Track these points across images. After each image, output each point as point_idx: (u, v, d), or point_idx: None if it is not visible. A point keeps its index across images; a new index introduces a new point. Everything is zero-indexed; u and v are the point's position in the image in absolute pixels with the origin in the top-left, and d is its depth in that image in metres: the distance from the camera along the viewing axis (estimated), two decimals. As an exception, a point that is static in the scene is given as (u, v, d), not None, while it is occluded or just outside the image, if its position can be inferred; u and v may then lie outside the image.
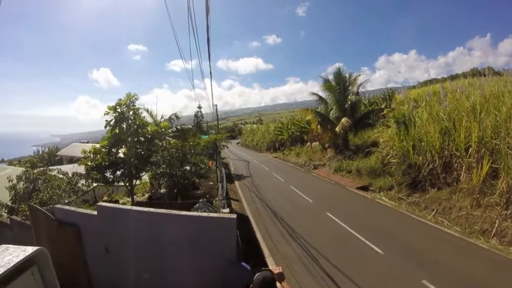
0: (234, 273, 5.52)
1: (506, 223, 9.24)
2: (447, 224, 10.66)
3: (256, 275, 2.84)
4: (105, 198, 16.30)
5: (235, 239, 5.79)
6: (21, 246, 1.72)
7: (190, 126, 31.53)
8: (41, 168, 18.41)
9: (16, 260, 1.59)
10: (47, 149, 54.99)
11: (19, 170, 19.57)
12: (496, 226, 9.30)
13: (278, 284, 2.88)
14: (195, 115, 56.57)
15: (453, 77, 25.23)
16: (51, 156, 50.04)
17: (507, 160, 9.92)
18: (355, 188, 17.13)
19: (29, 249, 1.70)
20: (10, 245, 1.74)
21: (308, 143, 33.83)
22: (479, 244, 8.98)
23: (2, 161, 47.92)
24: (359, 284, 7.35)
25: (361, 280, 7.48)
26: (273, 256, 9.45)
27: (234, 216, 5.87)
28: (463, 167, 11.72)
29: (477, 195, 10.59)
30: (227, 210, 9.51)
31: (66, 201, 13.02)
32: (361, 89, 25.81)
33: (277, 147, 44.03)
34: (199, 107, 55.34)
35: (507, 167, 9.86)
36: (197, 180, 19.21)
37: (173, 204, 13.78)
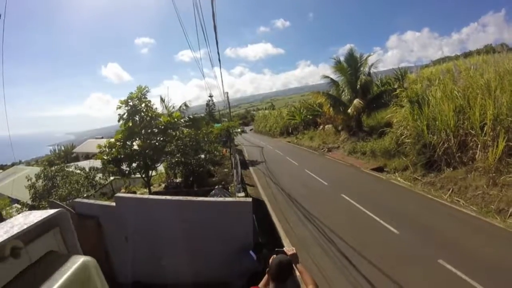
0: (241, 259, 5.63)
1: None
2: (463, 203, 10.58)
3: (272, 259, 2.85)
4: (122, 190, 16.60)
5: (252, 222, 5.89)
6: (43, 210, 1.86)
7: (202, 115, 31.73)
8: (58, 166, 18.78)
9: (35, 220, 1.71)
10: (63, 148, 56.07)
11: (37, 169, 20.02)
12: (513, 204, 9.18)
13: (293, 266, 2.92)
14: (207, 104, 56.87)
15: (467, 55, 24.57)
16: (67, 154, 51.06)
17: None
18: (370, 170, 17.10)
19: (51, 211, 1.84)
20: (33, 211, 1.88)
21: (321, 126, 33.67)
22: (496, 224, 8.90)
23: (20, 162, 49.00)
24: (375, 264, 7.43)
25: (378, 261, 7.56)
26: (289, 238, 9.58)
27: (250, 199, 5.96)
28: (479, 146, 11.54)
29: (493, 174, 10.44)
30: (242, 194, 9.62)
31: (85, 195, 13.32)
32: (373, 70, 25.46)
33: (290, 131, 43.97)
34: (210, 96, 55.58)
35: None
36: (212, 168, 19.34)
37: (189, 192, 13.98)
